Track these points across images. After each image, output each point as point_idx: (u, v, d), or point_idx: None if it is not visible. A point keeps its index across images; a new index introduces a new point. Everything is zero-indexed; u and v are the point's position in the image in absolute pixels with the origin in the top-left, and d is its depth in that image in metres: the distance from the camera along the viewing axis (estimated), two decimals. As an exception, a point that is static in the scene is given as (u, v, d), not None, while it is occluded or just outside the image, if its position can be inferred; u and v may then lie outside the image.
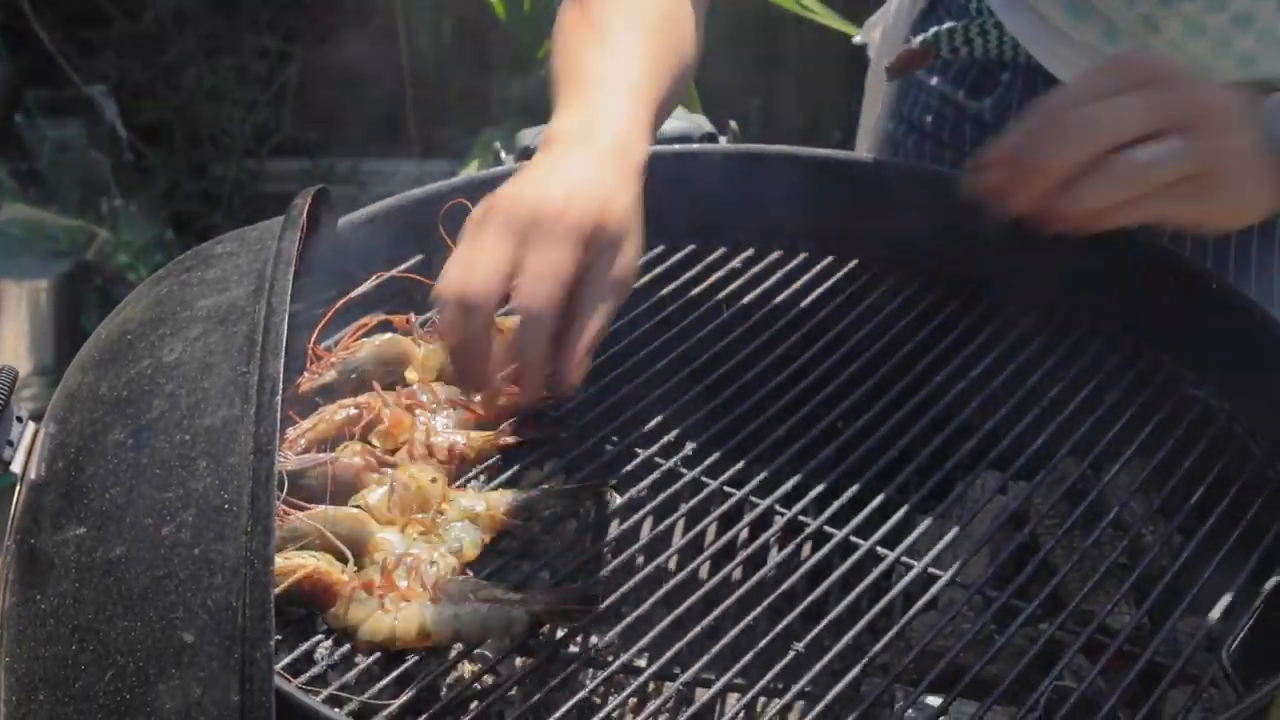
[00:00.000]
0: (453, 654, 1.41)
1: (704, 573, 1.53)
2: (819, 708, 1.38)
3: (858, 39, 2.47)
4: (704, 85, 4.22)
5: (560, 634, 1.44)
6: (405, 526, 1.48)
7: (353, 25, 4.24)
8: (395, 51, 4.06)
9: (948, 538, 1.57)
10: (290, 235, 1.47)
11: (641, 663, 1.47)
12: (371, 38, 4.18)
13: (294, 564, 1.40)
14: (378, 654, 1.40)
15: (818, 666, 1.42)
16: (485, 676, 1.44)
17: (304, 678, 1.38)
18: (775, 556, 1.55)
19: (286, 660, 1.40)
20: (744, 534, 1.58)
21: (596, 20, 1.72)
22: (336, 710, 1.31)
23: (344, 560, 1.43)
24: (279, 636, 1.42)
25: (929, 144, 2.22)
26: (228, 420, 1.31)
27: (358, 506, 1.49)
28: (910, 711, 1.43)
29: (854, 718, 1.39)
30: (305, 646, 1.42)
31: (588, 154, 1.55)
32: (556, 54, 1.72)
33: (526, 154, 1.98)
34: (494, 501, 1.52)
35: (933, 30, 2.10)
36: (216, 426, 1.31)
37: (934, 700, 1.44)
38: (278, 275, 1.41)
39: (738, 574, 1.53)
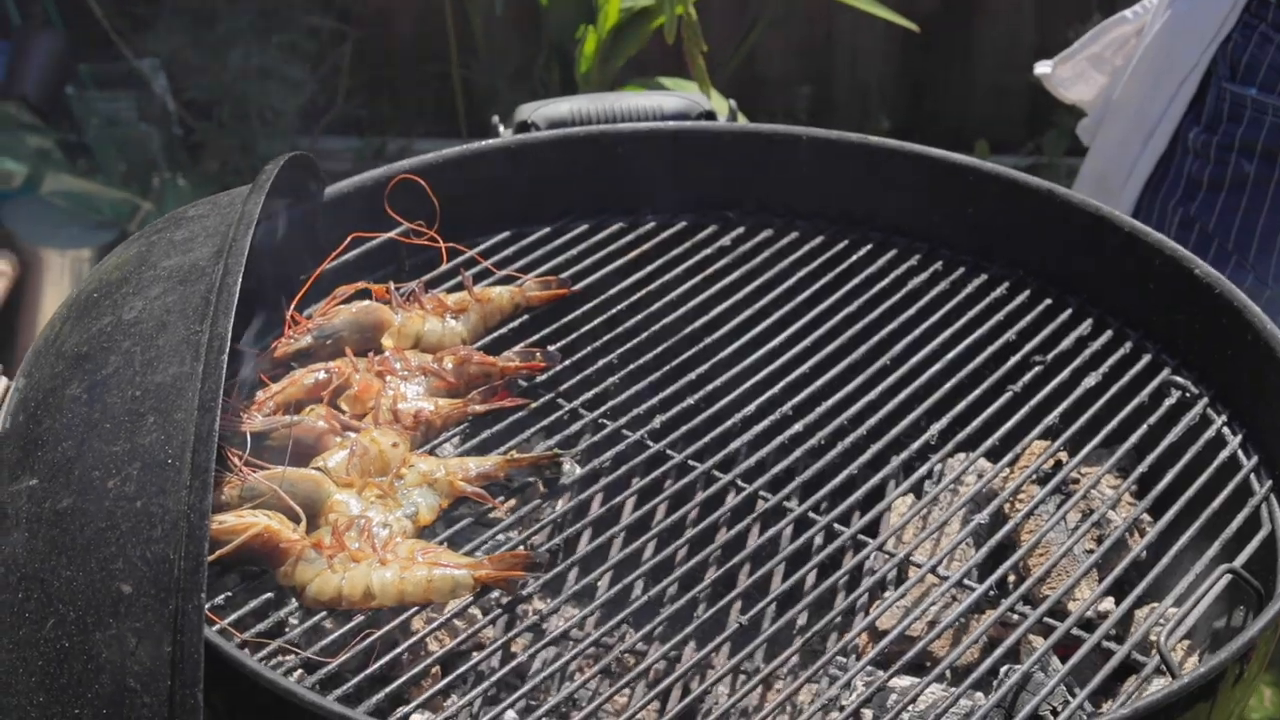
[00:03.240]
0: (402, 615, 1.43)
1: (653, 546, 1.54)
2: (791, 689, 1.38)
3: (1042, 69, 2.52)
4: (755, 70, 4.23)
5: (507, 599, 1.45)
6: (363, 489, 1.49)
7: (405, 6, 4.26)
8: (445, 32, 4.08)
9: (911, 515, 1.57)
10: (255, 198, 1.49)
11: (609, 639, 1.48)
12: (423, 18, 4.20)
13: (246, 522, 1.42)
14: (324, 613, 1.42)
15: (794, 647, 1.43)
16: (436, 635, 1.45)
17: (251, 633, 1.39)
18: (726, 534, 1.55)
19: (238, 614, 1.41)
20: (709, 510, 1.59)
21: None
22: (264, 664, 1.32)
23: (297, 520, 1.45)
24: (230, 592, 1.44)
25: (1275, 164, 2.30)
26: (178, 377, 1.33)
27: (318, 468, 1.51)
28: (862, 688, 1.44)
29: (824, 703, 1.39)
30: (255, 603, 1.43)
31: None
32: None
33: (524, 128, 1.99)
34: (454, 468, 1.54)
35: None
36: (167, 383, 1.33)
37: (878, 674, 1.44)
38: (238, 236, 1.43)
39: (688, 549, 1.54)
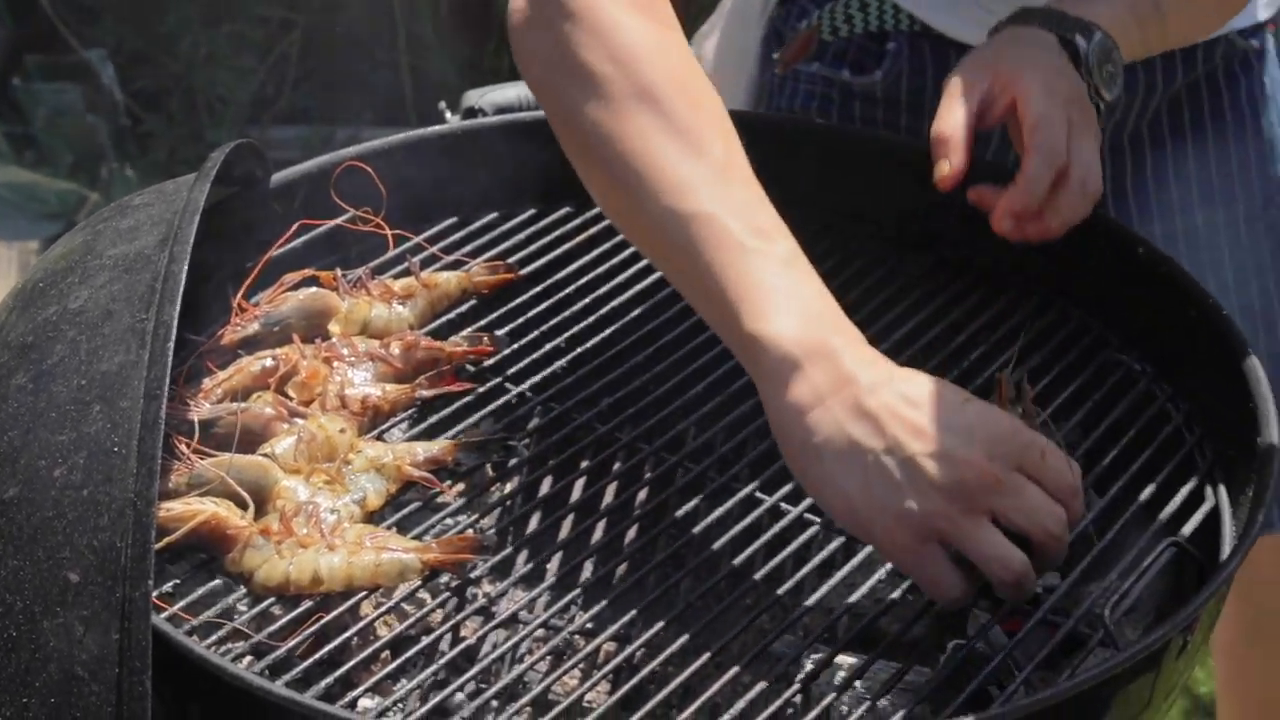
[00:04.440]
0: (351, 600, 1.43)
1: (602, 528, 1.55)
2: (739, 667, 1.39)
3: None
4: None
5: (456, 583, 1.46)
6: (310, 475, 1.50)
7: (355, -5, 4.27)
8: (394, 20, 4.08)
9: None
10: (201, 186, 1.49)
11: (559, 621, 1.48)
12: (372, 6, 4.20)
13: (193, 509, 1.42)
14: (272, 599, 1.42)
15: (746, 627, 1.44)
16: (385, 620, 1.45)
17: (200, 619, 1.40)
18: (674, 514, 1.56)
19: (187, 601, 1.41)
20: (658, 491, 1.60)
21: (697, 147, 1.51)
22: (212, 650, 1.33)
23: (244, 507, 1.45)
24: (179, 580, 1.44)
25: None
26: (123, 365, 1.34)
27: (266, 455, 1.51)
28: (810, 666, 1.44)
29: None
30: (203, 590, 1.44)
31: (867, 379, 1.39)
32: (670, 195, 1.48)
33: (471, 114, 1.99)
34: (401, 453, 1.54)
35: (814, 14, 2.10)
36: (112, 372, 1.33)
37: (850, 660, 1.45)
38: (183, 224, 1.43)
39: (637, 530, 1.55)
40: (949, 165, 1.66)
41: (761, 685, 1.38)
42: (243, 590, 1.43)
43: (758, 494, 1.57)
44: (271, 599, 1.42)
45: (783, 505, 1.57)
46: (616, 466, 1.61)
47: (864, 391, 1.37)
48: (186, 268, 1.39)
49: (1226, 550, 1.52)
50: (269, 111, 4.23)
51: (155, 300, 1.38)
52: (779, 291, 1.42)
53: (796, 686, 1.38)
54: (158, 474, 1.27)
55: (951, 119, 1.68)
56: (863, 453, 1.35)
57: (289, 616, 1.40)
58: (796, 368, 1.38)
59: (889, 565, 1.49)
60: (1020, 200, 1.65)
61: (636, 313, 1.77)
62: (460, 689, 1.36)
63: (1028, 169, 1.64)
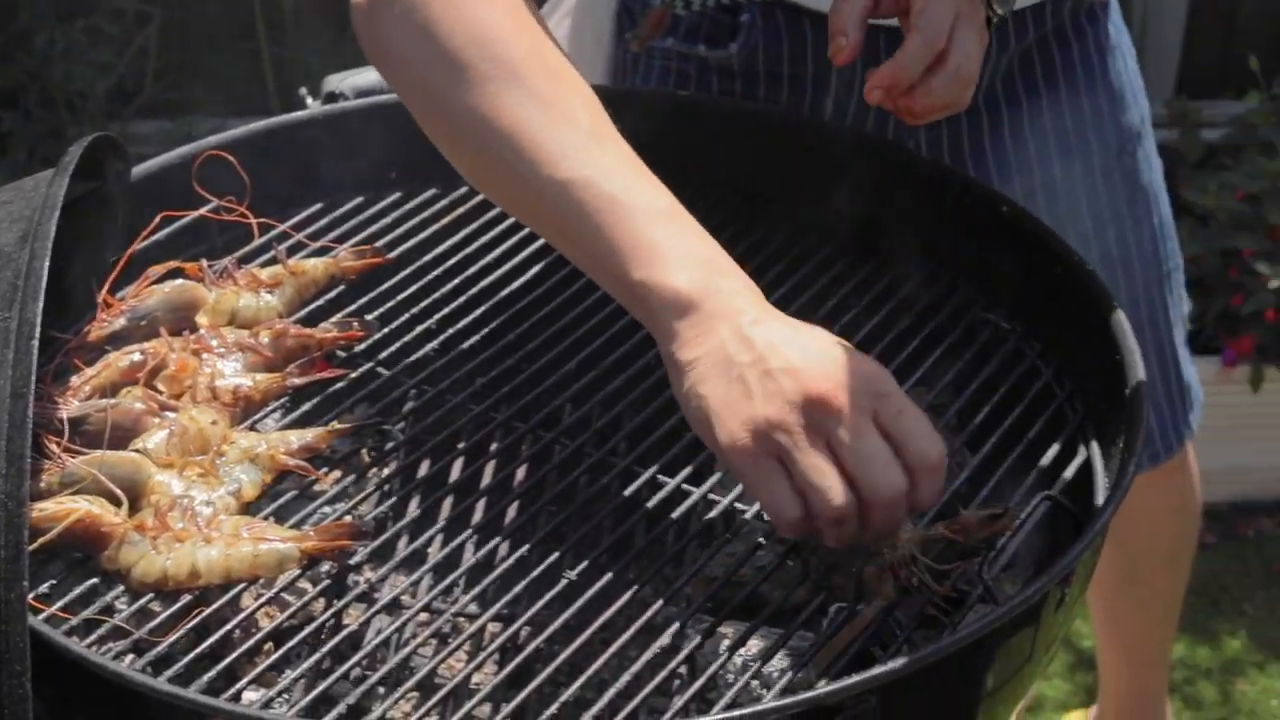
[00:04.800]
0: (230, 593, 1.42)
1: (481, 508, 1.55)
2: (623, 640, 1.39)
3: None
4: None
5: (336, 570, 1.45)
6: (183, 469, 1.49)
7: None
8: (253, 9, 4.05)
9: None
10: (60, 181, 1.48)
11: (441, 604, 1.47)
12: (230, -4, 4.18)
13: (66, 508, 1.40)
14: (154, 595, 1.41)
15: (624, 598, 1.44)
16: (266, 610, 1.44)
17: (79, 618, 1.38)
18: (553, 490, 1.56)
19: (65, 600, 1.40)
20: (535, 468, 1.60)
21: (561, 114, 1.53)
22: (93, 649, 1.31)
23: (118, 503, 1.44)
24: (55, 580, 1.42)
25: None
26: (-13, 366, 1.32)
27: (138, 450, 1.50)
28: (695, 636, 1.45)
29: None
30: (81, 589, 1.42)
31: (754, 313, 1.44)
32: (543, 164, 1.50)
33: (331, 99, 1.98)
34: (275, 442, 1.53)
35: None
36: (-24, 372, 1.32)
37: (708, 621, 1.46)
38: (43, 220, 1.42)
39: (516, 508, 1.55)
40: (845, 40, 1.66)
41: (647, 657, 1.38)
42: (121, 588, 1.42)
43: (635, 467, 1.58)
44: (150, 595, 1.41)
45: (660, 478, 1.57)
46: (494, 446, 1.60)
47: (748, 322, 1.41)
48: (48, 264, 1.38)
49: (1100, 502, 1.54)
50: (130, 106, 4.19)
51: (18, 298, 1.36)
52: (665, 242, 1.45)
53: (682, 657, 1.38)
54: (28, 474, 1.26)
55: (848, 3, 1.69)
56: (730, 366, 1.39)
57: (168, 612, 1.39)
58: (687, 308, 1.42)
59: (770, 533, 1.50)
60: (893, 74, 1.64)
61: (506, 292, 1.77)
62: (345, 676, 1.35)
63: (907, 45, 1.64)
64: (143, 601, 1.40)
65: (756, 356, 1.38)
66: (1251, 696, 3.49)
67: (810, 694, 1.23)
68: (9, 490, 1.26)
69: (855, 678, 1.24)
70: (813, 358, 1.38)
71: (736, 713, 1.21)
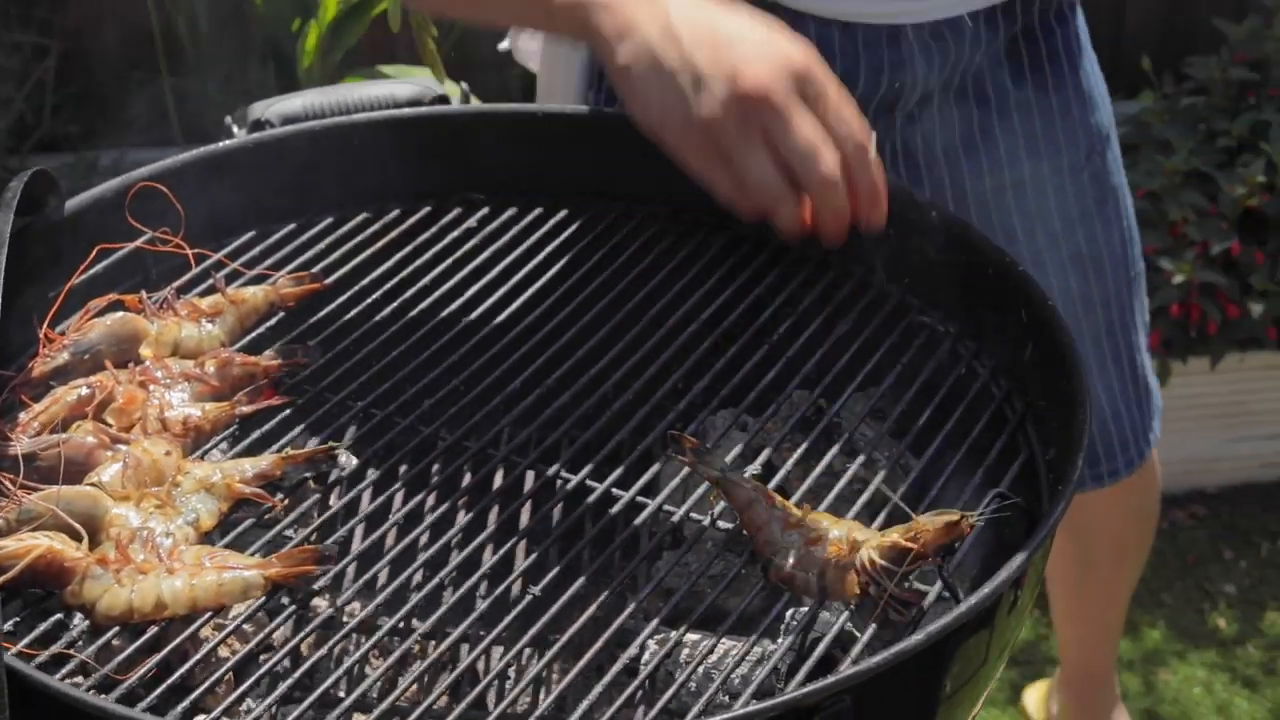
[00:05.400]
0: (193, 625, 1.42)
1: (433, 530, 1.55)
2: (586, 658, 1.40)
3: (504, 46, 2.51)
4: (466, 54, 4.24)
5: (299, 595, 1.45)
6: (140, 501, 1.48)
7: (107, 16, 4.20)
8: (152, 40, 4.03)
9: (684, 474, 1.61)
10: (4, 217, 1.47)
11: (388, 621, 1.48)
12: (127, 27, 4.15)
13: (27, 545, 1.40)
14: (116, 629, 1.40)
15: (583, 618, 1.45)
16: (227, 641, 1.44)
17: (45, 655, 1.37)
18: (501, 513, 1.57)
19: (29, 639, 1.39)
20: (483, 490, 1.61)
21: None
22: (72, 682, 1.31)
23: (78, 538, 1.43)
24: (18, 618, 1.42)
25: None
26: (-56, 404, 1.32)
27: (93, 484, 1.49)
28: (653, 646, 1.46)
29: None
30: (45, 626, 1.42)
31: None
32: None
33: (258, 126, 1.98)
34: (230, 470, 1.53)
35: None
36: (-71, 411, 1.31)
37: (669, 633, 1.47)
38: (-9, 257, 1.41)
39: (464, 532, 1.55)
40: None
41: (613, 673, 1.39)
42: (84, 623, 1.41)
43: (587, 483, 1.59)
44: (113, 629, 1.40)
45: (613, 491, 1.58)
46: (440, 468, 1.61)
47: (669, 10, 1.54)
48: (1, 299, 1.37)
49: (1045, 496, 1.56)
50: (28, 140, 4.16)
51: (-29, 336, 1.36)
52: None
53: (648, 671, 1.39)
54: (-7, 511, 1.26)
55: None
56: (662, 71, 1.54)
57: (133, 647, 1.39)
58: (609, 8, 1.57)
59: (726, 542, 1.52)
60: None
61: (445, 314, 1.78)
62: (306, 705, 1.36)
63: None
64: (106, 637, 1.40)
65: (685, 59, 1.53)
66: (1174, 686, 3.55)
67: (787, 696, 1.24)
68: (-25, 529, 1.25)
69: (831, 678, 1.26)
70: (736, 46, 1.52)
71: (720, 717, 1.22)
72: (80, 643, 1.41)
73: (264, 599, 1.43)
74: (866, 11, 2.07)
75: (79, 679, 1.36)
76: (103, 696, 1.33)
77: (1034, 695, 3.39)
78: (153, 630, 1.40)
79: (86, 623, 1.41)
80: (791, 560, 1.45)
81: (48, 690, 1.26)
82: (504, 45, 2.55)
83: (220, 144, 1.90)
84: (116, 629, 1.40)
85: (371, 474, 1.59)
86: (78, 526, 1.44)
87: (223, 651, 1.44)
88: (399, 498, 1.58)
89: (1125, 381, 2.45)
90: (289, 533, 1.52)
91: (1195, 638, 3.67)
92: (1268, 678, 3.57)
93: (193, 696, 1.35)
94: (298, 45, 3.03)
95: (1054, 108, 2.27)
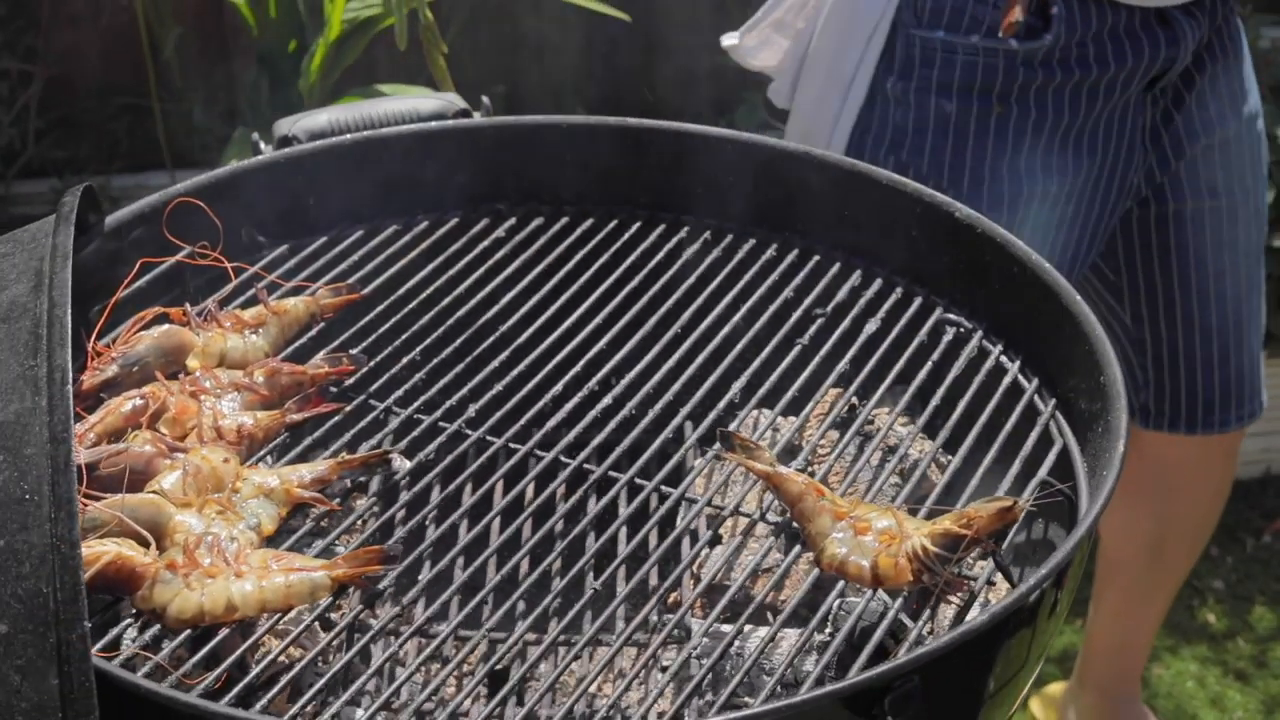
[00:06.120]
0: (259, 629, 1.44)
1: (496, 528, 1.58)
2: (614, 650, 1.43)
3: (729, 41, 2.59)
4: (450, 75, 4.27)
5: (360, 607, 1.48)
6: (202, 507, 1.51)
7: (91, 41, 4.21)
8: (139, 64, 4.04)
9: (727, 473, 1.64)
10: (65, 230, 1.50)
11: (442, 626, 1.50)
12: (111, 52, 4.16)
13: (96, 552, 1.42)
14: (186, 633, 1.42)
15: (610, 610, 1.48)
16: (292, 649, 1.47)
17: (115, 662, 1.39)
18: (563, 507, 1.59)
19: (96, 647, 1.41)
20: (532, 487, 1.64)
21: None
22: (159, 682, 1.33)
23: (145, 544, 1.45)
24: (88, 623, 1.44)
25: (972, 99, 2.47)
26: (20, 413, 1.34)
27: (154, 492, 1.52)
28: (706, 640, 1.49)
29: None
30: (111, 634, 1.44)
31: None
32: None
33: (285, 143, 2.01)
34: (287, 476, 1.56)
35: None
36: (9, 421, 1.33)
37: (727, 628, 1.50)
38: (56, 269, 1.44)
39: (528, 528, 1.58)
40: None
41: (676, 665, 1.42)
42: (150, 630, 1.43)
43: (638, 480, 1.62)
44: (185, 633, 1.43)
45: (664, 488, 1.61)
46: (492, 469, 1.64)
47: None
48: (70, 312, 1.40)
49: (1083, 481, 1.59)
50: (12, 166, 4.17)
51: (42, 347, 1.38)
52: None
53: (712, 661, 1.42)
54: (78, 516, 1.28)
55: None
56: None
57: (207, 648, 1.41)
58: None
59: (767, 538, 1.55)
60: None
61: (481, 321, 1.81)
62: (385, 707, 1.38)
63: None
64: (181, 639, 1.42)
65: None
66: (1168, 680, 3.59)
67: (859, 677, 1.27)
68: (60, 534, 1.27)
69: (903, 658, 1.29)
70: None
71: (797, 698, 1.26)
72: (145, 647, 1.43)
73: (330, 599, 1.46)
74: None
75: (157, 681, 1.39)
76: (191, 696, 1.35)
77: (1039, 701, 3.42)
78: (223, 633, 1.43)
79: (145, 629, 1.43)
80: (844, 549, 1.48)
81: (139, 691, 1.29)
82: (729, 40, 2.61)
83: (252, 160, 1.93)
84: (186, 632, 1.43)
85: (429, 476, 1.62)
86: (145, 533, 1.46)
87: (293, 652, 1.47)
88: (460, 497, 1.61)
89: (1260, 333, 2.78)
90: (345, 538, 1.55)
91: (1186, 633, 3.71)
92: (1259, 670, 3.62)
93: (275, 690, 1.38)
94: (302, 64, 3.06)
95: (1240, 74, 2.61)
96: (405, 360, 1.75)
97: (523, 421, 1.67)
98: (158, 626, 1.43)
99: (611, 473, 1.63)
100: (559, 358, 1.75)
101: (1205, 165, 2.62)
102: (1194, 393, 2.73)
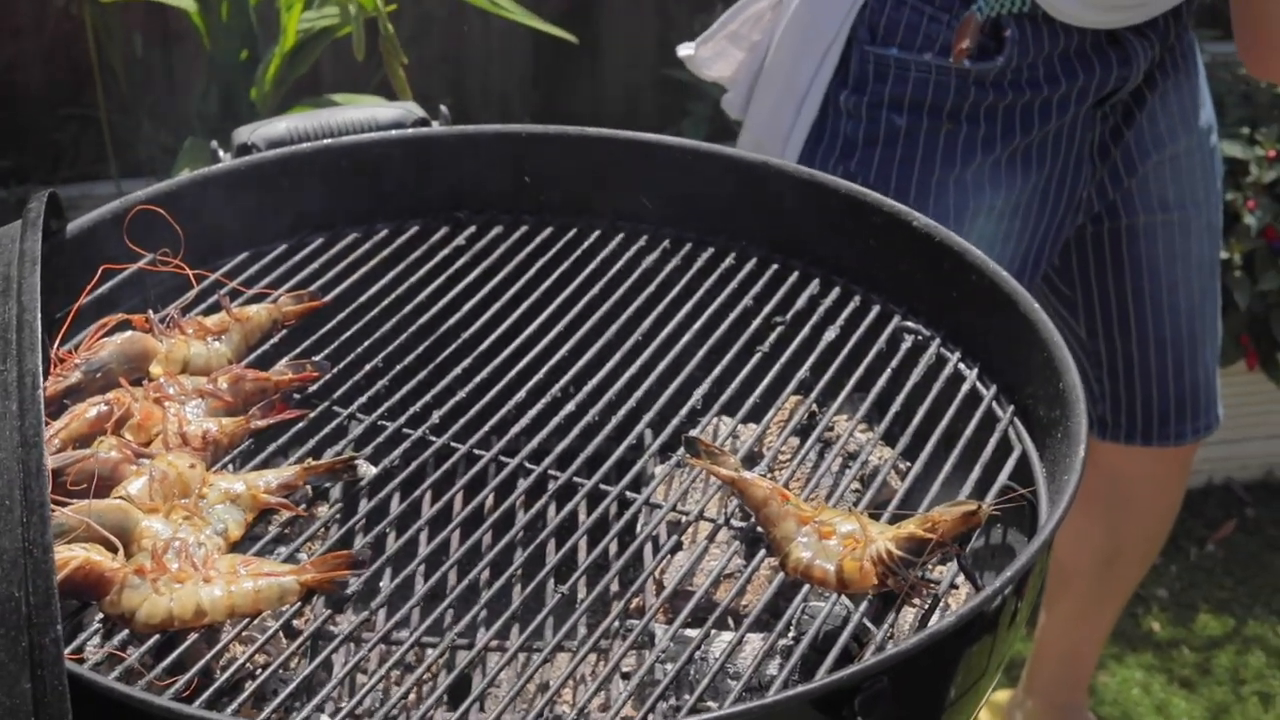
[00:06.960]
0: (224, 636, 1.45)
1: (458, 536, 1.59)
2: (579, 657, 1.44)
3: (685, 51, 2.61)
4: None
5: (326, 613, 1.49)
6: (169, 513, 1.51)
7: (34, 52, 4.19)
8: (86, 73, 4.03)
9: (689, 479, 1.65)
10: (32, 236, 1.50)
11: (402, 634, 1.51)
12: (54, 63, 4.15)
13: (64, 557, 1.42)
14: (154, 639, 1.43)
15: (574, 619, 1.49)
16: (256, 655, 1.47)
17: (86, 666, 1.39)
18: (523, 517, 1.60)
19: (71, 647, 1.42)
20: (494, 495, 1.64)
21: None
22: (133, 685, 1.33)
23: (113, 550, 1.46)
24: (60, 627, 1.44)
25: (922, 116, 2.50)
26: (-11, 419, 1.34)
27: (121, 498, 1.52)
28: (671, 645, 1.50)
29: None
30: (77, 641, 1.44)
31: None
32: None
33: (245, 150, 2.01)
34: (253, 482, 1.56)
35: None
36: (-21, 426, 1.34)
37: (692, 633, 1.51)
38: (25, 274, 1.44)
39: (489, 537, 1.58)
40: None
41: (642, 671, 1.43)
42: (116, 636, 1.44)
43: (601, 487, 1.63)
44: (153, 639, 1.43)
45: (627, 494, 1.63)
46: (456, 475, 1.64)
47: None
48: (40, 316, 1.40)
49: (1042, 487, 1.61)
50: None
51: (12, 351, 1.38)
52: None
53: (673, 671, 1.43)
54: (50, 520, 1.28)
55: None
56: None
57: (178, 651, 1.41)
58: None
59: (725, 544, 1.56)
60: None
61: (445, 327, 1.82)
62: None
63: None
64: (149, 644, 1.42)
65: None
66: (1114, 688, 3.62)
67: (829, 678, 1.29)
68: (33, 538, 1.28)
69: (871, 659, 1.30)
70: None
71: (768, 699, 1.27)
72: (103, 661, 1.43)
73: (298, 604, 1.46)
74: (1098, 19, 2.43)
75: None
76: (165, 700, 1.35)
77: (986, 709, 3.44)
78: (191, 638, 1.43)
79: (109, 636, 1.43)
80: (810, 554, 1.50)
81: (112, 695, 1.29)
82: (684, 51, 2.63)
83: (213, 167, 1.93)
84: (155, 638, 1.43)
85: (391, 483, 1.62)
86: (112, 538, 1.46)
87: (257, 658, 1.47)
88: (421, 504, 1.61)
89: (1217, 346, 2.80)
90: (313, 544, 1.56)
91: (1131, 641, 3.74)
92: (1203, 677, 3.65)
93: (244, 695, 1.38)
94: (256, 74, 3.06)
95: (1192, 90, 2.65)
96: (368, 367, 1.75)
97: (486, 429, 1.68)
98: (124, 633, 1.43)
99: (575, 479, 1.64)
100: (521, 365, 1.76)
101: (1157, 180, 2.66)
102: (1149, 405, 2.76)
